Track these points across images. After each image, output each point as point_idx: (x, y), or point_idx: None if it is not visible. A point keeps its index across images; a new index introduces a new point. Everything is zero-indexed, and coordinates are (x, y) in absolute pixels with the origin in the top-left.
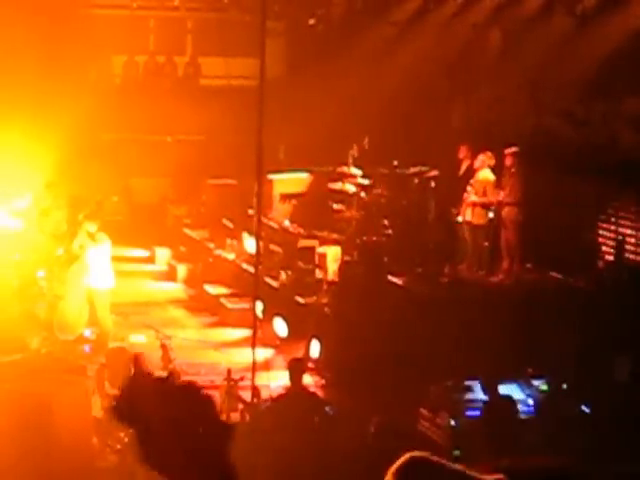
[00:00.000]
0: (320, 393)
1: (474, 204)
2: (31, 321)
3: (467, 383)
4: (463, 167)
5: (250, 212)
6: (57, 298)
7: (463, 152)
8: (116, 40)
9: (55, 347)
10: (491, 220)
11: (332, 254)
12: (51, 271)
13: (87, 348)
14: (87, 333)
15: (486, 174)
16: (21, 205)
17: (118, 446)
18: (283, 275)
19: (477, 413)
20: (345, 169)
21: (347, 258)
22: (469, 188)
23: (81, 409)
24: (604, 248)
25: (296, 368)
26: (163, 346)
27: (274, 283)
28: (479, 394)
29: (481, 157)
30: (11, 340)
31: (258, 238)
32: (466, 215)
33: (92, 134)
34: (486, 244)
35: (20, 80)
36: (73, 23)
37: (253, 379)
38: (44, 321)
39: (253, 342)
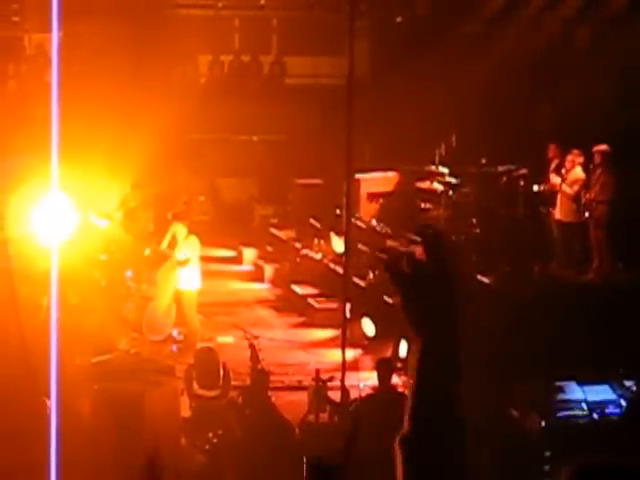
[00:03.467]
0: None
1: (564, 201)
2: (119, 322)
3: (558, 384)
4: (552, 166)
5: (337, 211)
6: (146, 299)
7: (552, 151)
8: (201, 40)
9: (143, 348)
10: (582, 218)
11: (420, 253)
12: (139, 271)
13: (175, 348)
14: (175, 333)
15: (576, 172)
16: (108, 206)
17: (206, 446)
18: (371, 275)
19: (567, 414)
20: (433, 168)
21: None
22: (560, 185)
23: (170, 409)
24: None
25: (384, 368)
26: (252, 346)
27: (362, 283)
28: (571, 394)
29: (570, 156)
30: (100, 341)
31: (347, 238)
32: (556, 213)
33: (178, 134)
34: (576, 243)
35: (106, 82)
36: (159, 23)
37: (343, 379)
38: (132, 321)
39: (343, 342)
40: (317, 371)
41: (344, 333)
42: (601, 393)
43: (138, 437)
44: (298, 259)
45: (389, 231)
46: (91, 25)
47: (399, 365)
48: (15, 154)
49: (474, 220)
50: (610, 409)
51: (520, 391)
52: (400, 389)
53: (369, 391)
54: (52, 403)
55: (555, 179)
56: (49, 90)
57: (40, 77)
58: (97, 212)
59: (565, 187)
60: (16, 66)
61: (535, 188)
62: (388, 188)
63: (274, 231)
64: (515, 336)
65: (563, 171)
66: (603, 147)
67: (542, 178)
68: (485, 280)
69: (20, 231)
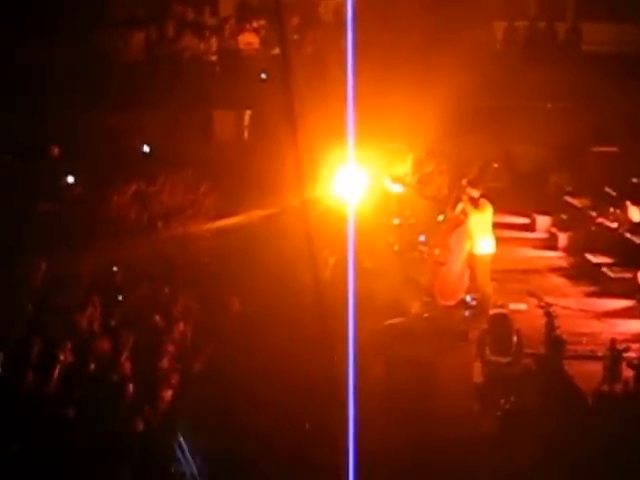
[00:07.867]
0: None
1: None
2: (412, 286)
3: None
4: None
5: (634, 180)
6: (439, 264)
7: None
8: (497, 6)
9: (436, 312)
10: None
11: None
12: (432, 236)
13: (468, 314)
14: (468, 299)
15: None
16: (402, 170)
17: (498, 413)
18: None
19: None
20: None
21: None
22: None
23: (462, 374)
24: None
25: None
26: (547, 314)
27: None
28: None
29: None
30: (392, 304)
31: None
32: None
33: (473, 101)
34: None
35: (401, 47)
36: None
37: None
38: (425, 286)
39: None
40: (612, 341)
41: None
42: None
43: (431, 401)
44: (593, 227)
45: None
46: None
47: None
48: (314, 119)
49: None
50: None
51: None
52: None
53: None
54: (349, 365)
55: None
56: (345, 56)
57: (336, 43)
58: (391, 177)
59: None
60: (313, 32)
61: None
62: None
63: (568, 199)
64: None
65: None
66: None
67: None
68: None
69: (324, 193)
